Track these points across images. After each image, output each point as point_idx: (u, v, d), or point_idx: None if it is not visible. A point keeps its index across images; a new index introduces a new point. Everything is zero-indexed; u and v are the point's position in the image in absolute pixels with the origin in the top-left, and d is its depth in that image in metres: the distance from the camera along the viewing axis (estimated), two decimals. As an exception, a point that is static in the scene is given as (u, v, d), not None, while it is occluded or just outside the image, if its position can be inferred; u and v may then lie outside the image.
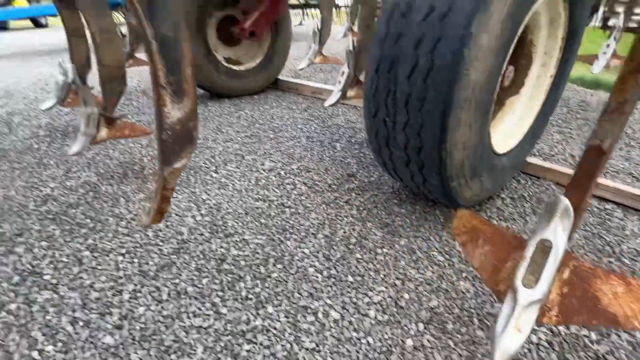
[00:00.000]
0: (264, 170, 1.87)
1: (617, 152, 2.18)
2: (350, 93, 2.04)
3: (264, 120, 2.61)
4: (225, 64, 3.00)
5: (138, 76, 3.74)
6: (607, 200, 1.66)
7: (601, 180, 1.69)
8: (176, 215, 1.49)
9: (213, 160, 1.97)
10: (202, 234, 1.37)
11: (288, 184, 1.75)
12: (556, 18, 1.40)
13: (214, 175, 1.82)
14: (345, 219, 1.49)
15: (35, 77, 3.97)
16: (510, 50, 1.11)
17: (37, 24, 10.18)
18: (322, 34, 2.82)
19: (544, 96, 1.59)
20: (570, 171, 1.76)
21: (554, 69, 1.54)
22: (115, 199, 1.60)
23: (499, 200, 1.65)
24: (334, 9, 4.38)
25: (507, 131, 1.58)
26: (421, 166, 1.23)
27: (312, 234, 1.39)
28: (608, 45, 2.35)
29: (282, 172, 1.85)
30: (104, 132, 1.58)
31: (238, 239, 1.35)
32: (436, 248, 1.33)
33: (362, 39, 1.95)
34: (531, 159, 1.88)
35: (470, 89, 1.03)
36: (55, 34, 8.94)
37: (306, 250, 1.29)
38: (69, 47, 2.12)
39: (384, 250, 1.31)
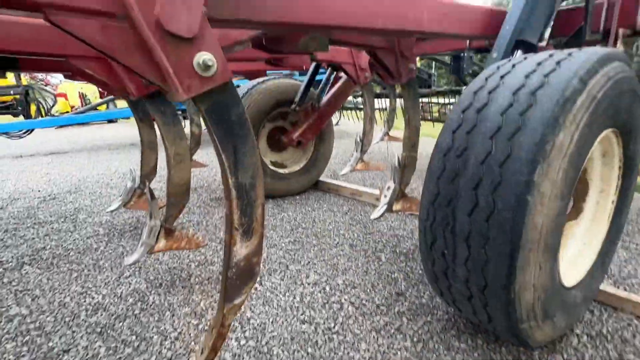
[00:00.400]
0: (308, 284, 1.82)
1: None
2: (397, 206, 2.06)
3: (306, 224, 2.66)
4: (271, 167, 3.23)
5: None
6: None
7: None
8: (220, 336, 1.43)
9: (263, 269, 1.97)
10: (245, 364, 1.29)
11: (334, 302, 1.67)
12: (609, 149, 1.41)
13: (259, 287, 1.79)
14: (399, 352, 1.35)
15: (103, 172, 4.46)
16: (573, 190, 1.10)
17: (110, 120, 11.99)
18: (363, 144, 3.02)
19: (607, 222, 1.51)
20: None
21: (614, 195, 1.50)
22: (161, 312, 1.59)
23: (574, 338, 1.45)
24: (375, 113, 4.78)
25: (572, 261, 1.48)
26: (485, 304, 1.14)
27: (364, 370, 1.26)
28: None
29: (327, 288, 1.79)
30: (162, 244, 1.66)
31: (284, 374, 1.25)
32: (510, 402, 1.15)
33: (407, 156, 2.05)
34: (603, 285, 1.70)
35: (537, 231, 1.00)
36: (123, 128, 10.32)
37: (359, 396, 1.16)
38: (141, 156, 2.39)
39: (449, 401, 1.15)
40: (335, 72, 3.18)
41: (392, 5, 1.35)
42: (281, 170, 3.31)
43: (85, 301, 1.67)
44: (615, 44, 1.70)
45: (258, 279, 1.85)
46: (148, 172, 2.42)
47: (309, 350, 1.36)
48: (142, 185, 2.39)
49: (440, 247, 1.19)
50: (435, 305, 1.66)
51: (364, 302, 1.68)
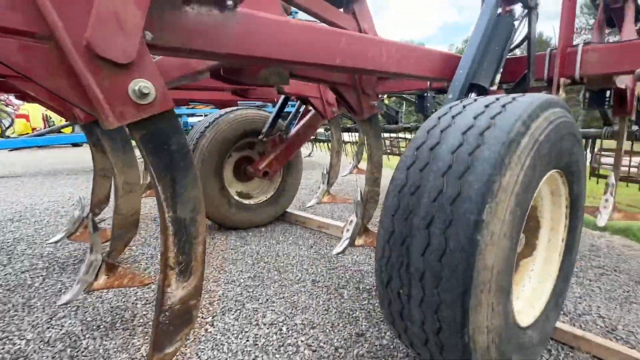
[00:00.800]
0: (264, 325, 1.71)
1: (649, 314, 2.00)
2: (359, 241, 2.03)
3: (269, 258, 2.55)
4: (237, 198, 3.14)
5: (151, 204, 3.90)
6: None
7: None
8: (158, 388, 1.27)
9: (211, 309, 1.83)
10: (183, 421, 1.14)
11: (290, 345, 1.56)
12: (556, 189, 1.47)
13: (210, 330, 1.65)
14: (354, 402, 1.26)
15: (56, 199, 4.16)
16: (522, 229, 1.12)
17: (74, 144, 11.46)
18: (330, 176, 3.02)
19: (559, 260, 1.55)
20: (610, 344, 1.58)
21: (564, 233, 1.54)
22: (94, 359, 1.41)
23: (532, 380, 1.42)
24: (342, 147, 4.85)
25: (527, 299, 1.48)
26: (441, 348, 1.09)
27: None
28: (607, 200, 2.45)
29: (285, 328, 1.68)
30: (101, 280, 1.51)
31: None
32: None
33: (369, 190, 2.05)
34: (559, 324, 1.71)
35: (488, 271, 0.98)
36: (88, 152, 9.87)
37: None
38: (92, 184, 2.24)
39: None
40: (305, 105, 3.23)
41: (350, 44, 1.39)
42: (247, 201, 3.22)
43: (3, 349, 1.46)
44: (557, 92, 1.84)
45: (210, 319, 1.71)
46: (99, 200, 2.26)
47: (257, 402, 1.24)
48: (91, 216, 2.23)
49: (396, 286, 1.15)
50: (395, 346, 1.59)
51: (322, 344, 1.58)
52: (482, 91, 1.84)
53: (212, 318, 1.74)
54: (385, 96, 4.89)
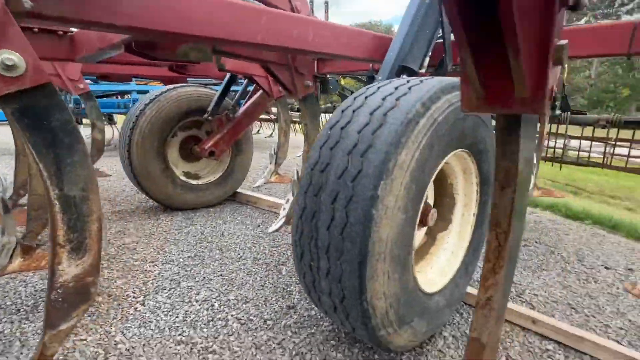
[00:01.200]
0: (197, 302, 1.73)
1: (554, 278, 2.25)
2: (295, 219, 2.08)
3: (213, 237, 2.56)
4: (183, 178, 3.08)
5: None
6: (549, 339, 1.63)
7: (541, 316, 1.69)
8: (76, 366, 1.28)
9: (144, 289, 1.83)
10: (98, 396, 1.16)
11: (220, 319, 1.61)
12: (467, 168, 1.59)
13: (139, 308, 1.66)
14: (273, 368, 1.34)
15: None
16: (421, 207, 1.21)
17: None
18: (277, 156, 3.03)
19: (470, 233, 1.69)
20: (513, 306, 1.77)
21: (475, 209, 1.68)
22: (9, 343, 1.38)
23: (440, 340, 1.57)
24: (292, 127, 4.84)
25: (440, 268, 1.61)
26: (347, 314, 1.18)
27: (232, 391, 1.22)
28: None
29: (217, 304, 1.72)
30: (16, 263, 1.45)
31: (140, 403, 1.15)
32: (370, 409, 1.19)
33: (307, 169, 2.09)
34: (473, 290, 1.89)
35: (383, 243, 1.06)
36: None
37: (218, 418, 1.11)
38: (15, 164, 2.11)
39: (310, 414, 1.15)
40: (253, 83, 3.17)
41: (272, 21, 1.38)
42: (194, 181, 3.16)
43: None
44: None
45: (141, 298, 1.71)
46: (24, 181, 2.14)
47: (177, 373, 1.28)
48: (15, 197, 2.11)
49: (308, 260, 1.21)
50: (322, 317, 1.68)
51: (251, 317, 1.64)
52: (412, 74, 1.91)
53: (144, 297, 1.74)
54: (341, 77, 4.89)
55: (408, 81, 1.28)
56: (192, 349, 1.40)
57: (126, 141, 2.70)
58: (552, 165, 3.40)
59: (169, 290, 1.82)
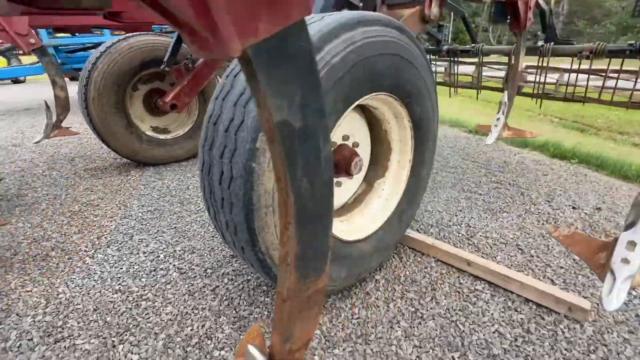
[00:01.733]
0: (144, 254, 1.82)
1: (512, 221, 2.24)
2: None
3: (177, 191, 2.60)
4: (149, 133, 3.06)
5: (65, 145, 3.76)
6: (481, 280, 1.66)
7: (475, 258, 1.71)
8: (17, 315, 1.39)
9: (97, 242, 1.92)
10: (31, 339, 1.28)
11: (162, 269, 1.69)
12: (398, 112, 1.50)
13: (88, 261, 1.75)
14: (200, 312, 1.43)
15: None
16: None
17: (15, 80, 10.39)
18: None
19: (406, 179, 1.65)
20: (454, 250, 1.78)
21: (410, 154, 1.62)
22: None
23: (371, 283, 1.63)
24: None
25: (372, 215, 1.61)
26: (252, 264, 1.21)
27: (155, 333, 1.31)
28: (498, 119, 2.53)
29: (162, 255, 1.80)
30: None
31: (67, 345, 1.26)
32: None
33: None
34: (417, 235, 1.90)
35: (270, 196, 1.05)
36: (32, 89, 9.07)
37: (134, 357, 1.21)
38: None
39: (222, 353, 1.24)
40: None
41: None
42: (162, 136, 3.15)
43: None
44: (430, 7, 1.72)
45: (92, 252, 1.80)
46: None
47: (108, 319, 1.38)
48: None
49: (213, 214, 1.22)
50: (262, 264, 1.74)
51: (193, 267, 1.72)
52: (353, 8, 1.74)
53: (95, 251, 1.84)
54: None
55: (312, 18, 1.16)
56: (127, 297, 1.50)
57: (83, 97, 2.65)
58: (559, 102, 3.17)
59: (120, 244, 1.90)
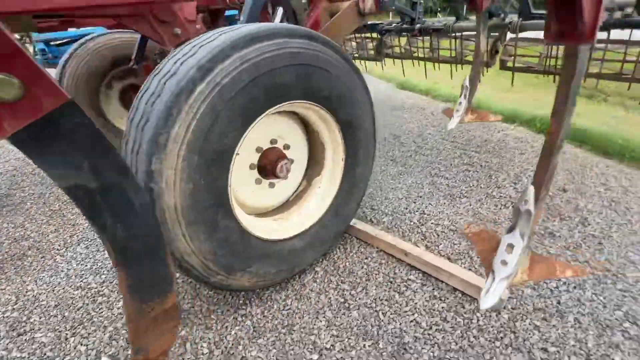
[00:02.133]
0: (108, 250, 1.98)
1: (469, 206, 2.27)
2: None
3: (152, 186, 2.74)
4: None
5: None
6: (416, 270, 1.75)
7: (412, 248, 1.78)
8: (-11, 311, 1.59)
9: (69, 241, 2.09)
10: (-2, 334, 1.47)
11: (122, 265, 1.86)
12: (323, 117, 1.54)
13: (58, 259, 1.94)
14: (148, 306, 1.58)
15: None
16: (230, 170, 1.23)
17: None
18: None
19: (340, 177, 1.71)
20: (396, 241, 1.85)
21: (343, 154, 1.67)
22: None
23: (310, 275, 1.74)
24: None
25: (307, 213, 1.69)
26: (182, 268, 1.33)
27: (104, 327, 1.49)
28: (460, 103, 2.49)
29: (124, 252, 1.96)
30: None
31: (27, 338, 1.45)
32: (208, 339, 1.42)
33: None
34: (362, 225, 1.98)
35: (173, 210, 1.14)
36: None
37: (82, 349, 1.39)
38: None
39: (158, 343, 1.40)
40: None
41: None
42: (142, 131, 3.26)
43: None
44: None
45: (63, 250, 1.98)
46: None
47: (66, 314, 1.56)
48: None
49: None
50: (214, 258, 1.88)
51: (151, 262, 1.87)
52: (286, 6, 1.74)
53: (66, 249, 2.02)
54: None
55: (215, 33, 1.20)
56: (86, 293, 1.68)
57: (58, 100, 2.77)
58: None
59: (89, 241, 2.08)
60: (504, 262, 1.08)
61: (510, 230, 1.09)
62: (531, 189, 1.03)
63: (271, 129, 1.53)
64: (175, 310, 0.79)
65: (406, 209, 2.29)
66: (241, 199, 1.53)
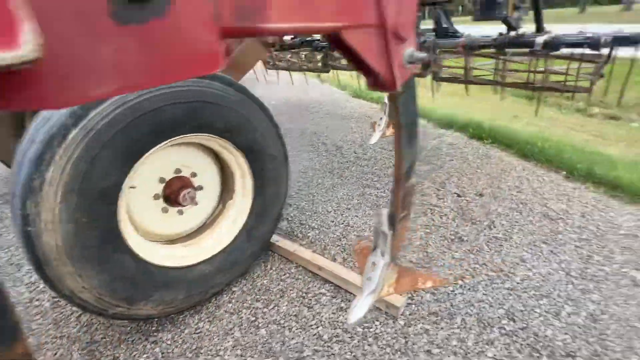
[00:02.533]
0: (26, 285, 1.96)
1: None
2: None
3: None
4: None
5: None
6: (330, 283, 1.84)
7: (325, 263, 1.89)
8: None
9: (-14, 277, 2.05)
10: None
11: (37, 300, 1.85)
12: (223, 145, 1.62)
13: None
14: (58, 340, 1.59)
15: None
16: (119, 206, 1.29)
17: None
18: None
19: (251, 200, 1.79)
20: (312, 256, 1.95)
21: (250, 178, 1.75)
22: None
23: (227, 295, 1.80)
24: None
25: (219, 237, 1.75)
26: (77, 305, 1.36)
27: None
28: (381, 118, 2.65)
29: (42, 286, 1.95)
30: None
31: None
32: (119, 367, 1.45)
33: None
34: (282, 242, 2.06)
35: (54, 249, 1.17)
36: None
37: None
38: None
39: (62, 378, 1.42)
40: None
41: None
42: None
43: None
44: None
45: None
46: None
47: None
48: None
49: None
50: (134, 285, 1.90)
51: (69, 294, 1.88)
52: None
53: None
54: None
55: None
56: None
57: None
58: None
59: (7, 275, 2.04)
60: (369, 279, 1.19)
61: (374, 249, 1.20)
62: (384, 212, 1.15)
63: (174, 159, 1.59)
64: (28, 357, 0.83)
65: (332, 222, 2.40)
66: (147, 228, 1.57)
